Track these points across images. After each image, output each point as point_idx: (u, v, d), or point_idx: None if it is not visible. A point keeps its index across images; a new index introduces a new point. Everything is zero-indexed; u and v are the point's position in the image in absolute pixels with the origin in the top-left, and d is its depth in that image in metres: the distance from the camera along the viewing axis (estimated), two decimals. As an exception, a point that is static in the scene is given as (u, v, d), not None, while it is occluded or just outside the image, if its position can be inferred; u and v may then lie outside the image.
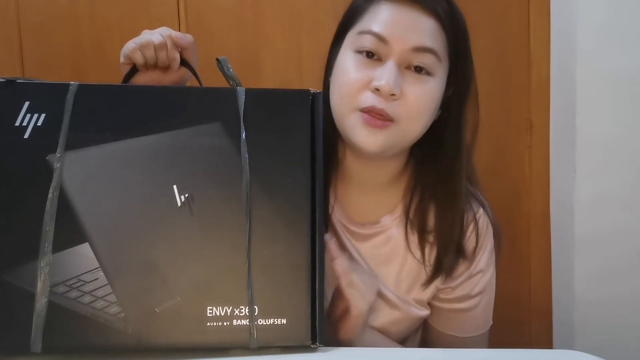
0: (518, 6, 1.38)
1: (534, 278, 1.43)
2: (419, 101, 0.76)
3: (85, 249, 0.64)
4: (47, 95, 0.67)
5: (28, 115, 0.66)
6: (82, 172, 0.66)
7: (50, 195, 0.64)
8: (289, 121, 0.69)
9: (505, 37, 1.39)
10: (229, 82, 0.74)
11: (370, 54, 0.76)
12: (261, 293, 0.65)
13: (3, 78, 0.67)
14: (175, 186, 0.66)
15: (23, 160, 0.65)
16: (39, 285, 0.63)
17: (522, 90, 1.40)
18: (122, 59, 0.81)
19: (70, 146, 0.66)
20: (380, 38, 0.75)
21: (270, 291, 0.66)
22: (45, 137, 0.66)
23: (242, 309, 0.65)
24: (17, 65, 1.39)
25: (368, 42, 0.76)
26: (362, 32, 0.77)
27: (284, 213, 0.67)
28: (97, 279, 0.64)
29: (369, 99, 0.75)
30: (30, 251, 0.63)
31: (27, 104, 0.66)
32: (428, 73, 0.76)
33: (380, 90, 0.74)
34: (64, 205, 0.64)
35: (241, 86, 0.72)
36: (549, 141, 1.39)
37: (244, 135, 0.68)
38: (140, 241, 0.65)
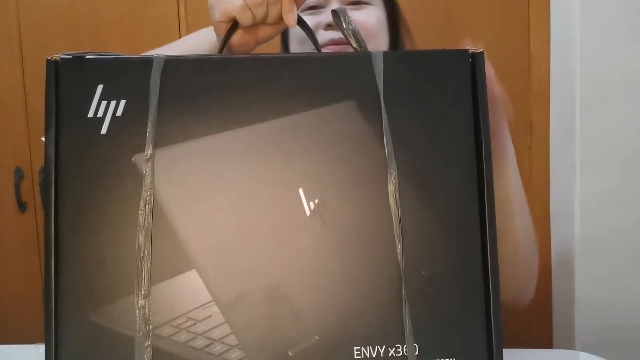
0: (518, 6, 1.38)
1: (534, 278, 1.43)
2: (366, 24, 0.83)
3: (192, 278, 0.49)
4: (125, 75, 0.51)
5: (103, 104, 0.50)
6: (181, 177, 0.50)
7: (141, 209, 0.48)
8: (443, 94, 0.52)
9: (505, 37, 1.39)
10: (350, 43, 0.59)
11: (314, 7, 0.85)
12: (421, 326, 0.50)
13: (68, 54, 0.51)
14: (301, 189, 0.51)
15: (102, 164, 0.49)
16: (138, 327, 0.48)
17: (522, 90, 1.40)
18: (218, 17, 0.68)
19: (161, 142, 0.50)
20: None
21: (434, 323, 0.51)
22: (129, 132, 0.50)
23: (398, 348, 0.50)
24: (17, 65, 1.39)
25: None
26: None
27: (445, 219, 0.52)
28: (211, 316, 0.49)
29: (326, 36, 0.81)
30: (122, 283, 0.48)
31: (100, 88, 0.50)
32: (366, 3, 0.86)
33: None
34: (160, 222, 0.49)
35: (365, 47, 0.57)
36: (549, 141, 1.39)
37: (385, 117, 0.51)
38: (261, 265, 0.50)
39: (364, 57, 0.52)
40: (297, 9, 0.66)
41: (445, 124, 0.52)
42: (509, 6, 1.38)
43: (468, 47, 0.54)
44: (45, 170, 0.50)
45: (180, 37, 1.37)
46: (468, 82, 0.53)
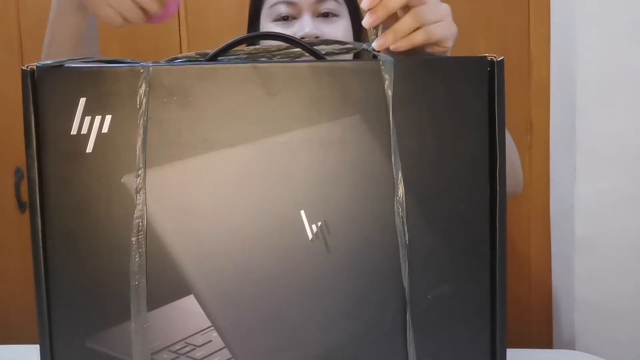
0: (518, 6, 1.38)
1: (534, 278, 1.43)
2: (336, 36, 0.86)
3: (189, 302, 0.47)
4: (110, 87, 0.46)
5: (87, 119, 0.46)
6: (175, 198, 0.46)
7: (134, 233, 0.46)
8: (457, 107, 0.48)
9: (505, 37, 1.39)
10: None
11: (286, 18, 0.88)
12: (427, 353, 0.49)
13: (45, 63, 0.46)
14: (303, 211, 0.47)
15: (89, 186, 0.46)
16: (135, 352, 0.46)
17: (522, 90, 1.40)
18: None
19: (153, 161, 0.46)
20: (289, 3, 0.87)
21: (439, 350, 0.49)
22: (117, 150, 0.46)
23: None
24: (17, 65, 1.39)
25: (282, 10, 0.87)
26: (273, 5, 0.88)
27: (454, 241, 0.49)
28: (211, 341, 0.47)
29: None
30: (117, 309, 0.46)
31: (83, 101, 0.45)
32: (335, 15, 0.88)
33: (307, 37, 0.82)
34: (155, 246, 0.46)
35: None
36: (549, 141, 1.39)
37: (394, 134, 0.47)
38: (261, 289, 0.47)
39: (372, 65, 0.47)
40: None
41: (457, 140, 0.48)
42: (509, 6, 1.38)
43: (487, 54, 0.49)
44: (29, 194, 0.46)
45: (180, 38, 1.37)
46: (485, 93, 0.48)
